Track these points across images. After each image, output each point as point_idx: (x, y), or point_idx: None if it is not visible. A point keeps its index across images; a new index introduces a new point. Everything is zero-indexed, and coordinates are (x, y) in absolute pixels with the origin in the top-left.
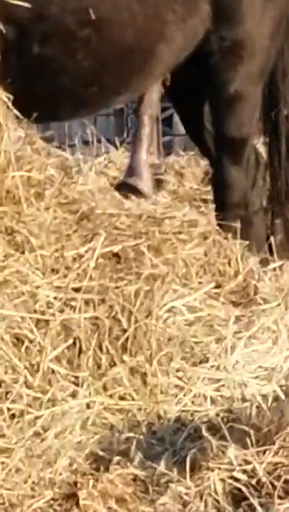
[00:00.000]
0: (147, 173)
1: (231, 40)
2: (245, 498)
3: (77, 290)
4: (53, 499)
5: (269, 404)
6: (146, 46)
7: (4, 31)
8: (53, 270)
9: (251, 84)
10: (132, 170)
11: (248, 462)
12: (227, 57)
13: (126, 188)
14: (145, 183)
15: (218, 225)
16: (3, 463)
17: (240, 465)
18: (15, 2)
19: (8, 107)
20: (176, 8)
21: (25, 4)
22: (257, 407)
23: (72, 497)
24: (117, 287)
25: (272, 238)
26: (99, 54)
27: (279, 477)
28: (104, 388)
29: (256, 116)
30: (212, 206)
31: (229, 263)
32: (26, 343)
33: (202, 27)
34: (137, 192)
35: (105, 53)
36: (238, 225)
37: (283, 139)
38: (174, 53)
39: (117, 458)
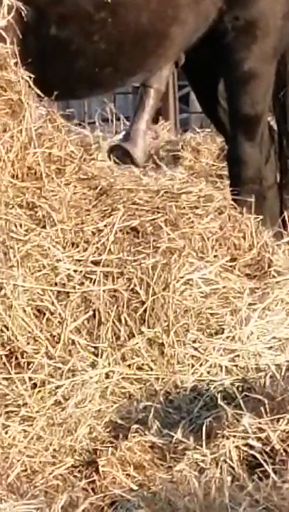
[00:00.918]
0: (143, 142)
1: (245, 19)
2: (260, 465)
3: (96, 263)
4: (73, 466)
5: (283, 373)
6: (160, 29)
7: (26, 12)
8: (73, 244)
9: (265, 63)
10: (128, 136)
11: (262, 430)
12: (241, 36)
13: (119, 150)
14: (138, 151)
15: (233, 199)
16: (25, 431)
17: (254, 433)
18: None
19: (29, 86)
20: None
21: None
22: (271, 377)
23: (91, 464)
24: (135, 261)
25: (285, 213)
26: (114, 36)
27: None
28: (123, 359)
29: (270, 94)
30: (227, 182)
31: (244, 237)
32: (47, 314)
33: (214, 8)
34: (128, 156)
35: (120, 36)
36: (252, 199)
37: None
38: (187, 35)
39: (135, 426)
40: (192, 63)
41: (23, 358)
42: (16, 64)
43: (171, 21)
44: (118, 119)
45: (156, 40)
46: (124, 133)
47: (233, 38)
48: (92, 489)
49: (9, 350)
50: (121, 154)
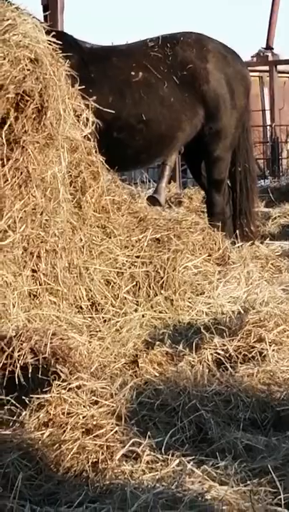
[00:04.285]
0: (164, 193)
1: (215, 129)
2: (223, 364)
3: (137, 257)
4: (125, 363)
5: (235, 315)
6: (171, 134)
7: (99, 124)
8: (126, 247)
9: (226, 152)
10: (156, 190)
11: (224, 345)
12: (212, 137)
13: (152, 199)
14: (162, 199)
15: (210, 224)
16: (100, 344)
17: (220, 346)
18: (105, 109)
19: (102, 163)
20: (187, 113)
21: (111, 111)
22: (229, 317)
23: (135, 362)
24: (158, 256)
25: (237, 231)
26: (147, 137)
27: (240, 353)
28: (152, 307)
29: (228, 168)
30: (206, 215)
31: (215, 244)
32: (112, 283)
33: (199, 122)
34: (157, 202)
35: (151, 137)
36: (219, 224)
37: (237, 183)
38: (185, 136)
39: (157, 342)
40: (187, 151)
41: (99, 306)
42: (95, 151)
43: (177, 129)
44: (149, 181)
45: (169, 139)
46: (154, 189)
47: (208, 138)
48: (135, 375)
49: (92, 302)
50: (153, 200)
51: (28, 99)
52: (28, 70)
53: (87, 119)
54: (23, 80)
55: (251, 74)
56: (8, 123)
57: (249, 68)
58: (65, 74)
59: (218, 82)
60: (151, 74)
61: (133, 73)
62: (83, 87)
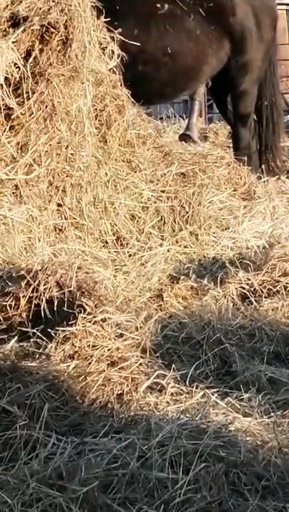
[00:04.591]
0: (196, 129)
1: (241, 61)
2: (248, 298)
3: (163, 191)
4: (150, 297)
5: (260, 250)
6: (197, 67)
7: (125, 57)
8: (151, 181)
9: (252, 86)
10: (187, 127)
11: (249, 279)
12: (239, 70)
13: (184, 136)
14: (194, 135)
15: (235, 158)
16: (125, 279)
17: (245, 281)
18: (131, 42)
19: (128, 97)
20: (213, 46)
21: (136, 43)
22: (254, 252)
23: (159, 296)
24: (183, 190)
25: (263, 166)
26: (173, 70)
27: (264, 287)
28: (177, 241)
29: (254, 102)
30: (232, 150)
31: (240, 178)
32: (136, 218)
33: (225, 55)
34: (190, 138)
35: (176, 70)
36: (245, 158)
37: (264, 117)
38: (212, 70)
39: (182, 277)
40: (214, 85)
41: (124, 240)
42: (121, 85)
43: (203, 62)
44: (175, 116)
45: (195, 72)
46: (185, 126)
47: (235, 71)
48: (160, 309)
49: (117, 236)
50: (186, 138)
51: (53, 31)
52: (53, 1)
53: (113, 52)
54: (48, 12)
55: (278, 7)
56: (33, 55)
57: (276, 1)
58: (91, 5)
59: (244, 14)
60: (177, 6)
61: (159, 5)
62: (108, 19)
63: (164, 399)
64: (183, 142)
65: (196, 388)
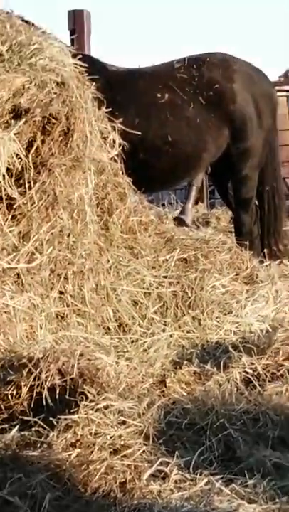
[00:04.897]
0: (190, 214)
1: (242, 148)
2: (251, 383)
3: (165, 277)
4: (153, 383)
5: (264, 334)
6: (197, 155)
7: (126, 146)
8: (153, 267)
9: (253, 171)
10: (182, 211)
11: (252, 364)
12: (240, 156)
13: (178, 219)
14: (188, 219)
15: (237, 243)
16: (127, 365)
17: (248, 365)
18: (132, 131)
19: (129, 185)
20: (212, 134)
21: (137, 132)
22: (257, 336)
23: (162, 382)
24: (185, 275)
25: (265, 250)
26: (173, 158)
27: (268, 371)
28: (179, 327)
29: (255, 187)
30: (234, 234)
31: (243, 263)
32: (139, 304)
33: (225, 142)
34: (183, 222)
35: (176, 158)
36: (247, 243)
37: (265, 202)
38: (211, 157)
39: (185, 362)
40: (215, 171)
41: (126, 326)
42: (122, 173)
43: (203, 150)
44: (176, 203)
45: (195, 160)
46: (180, 210)
47: (236, 158)
48: (163, 395)
49: (119, 322)
50: (180, 221)
51: (55, 122)
52: (55, 93)
53: (114, 141)
54: (50, 104)
55: (279, 94)
56: (35, 146)
57: (276, 88)
58: (92, 96)
59: (244, 102)
60: (177, 95)
61: (159, 95)
62: (109, 109)
63: (167, 486)
64: (177, 225)
65: (200, 475)
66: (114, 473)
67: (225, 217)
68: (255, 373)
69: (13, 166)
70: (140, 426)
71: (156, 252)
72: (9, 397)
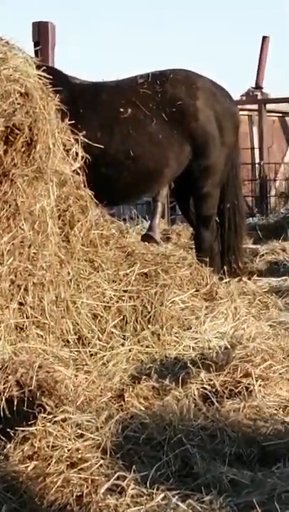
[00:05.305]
0: (158, 230)
1: (203, 165)
2: (209, 399)
3: (125, 291)
4: (111, 397)
5: (222, 350)
6: (159, 170)
7: (89, 159)
8: (113, 281)
9: (214, 188)
10: (150, 228)
11: (211, 380)
12: (202, 173)
13: (147, 237)
14: (156, 236)
15: (197, 259)
16: (86, 378)
17: (207, 381)
18: (94, 145)
19: (91, 198)
20: (174, 150)
21: (100, 146)
22: (216, 352)
23: (121, 396)
24: (145, 290)
25: (225, 267)
26: (135, 173)
27: (226, 388)
28: (138, 341)
29: (216, 204)
30: (194, 251)
31: (203, 279)
32: (98, 317)
33: (186, 159)
34: (152, 239)
35: (138, 173)
36: (207, 259)
37: (226, 219)
38: (173, 173)
39: (144, 376)
40: (176, 187)
41: (86, 340)
42: (84, 186)
43: (165, 166)
44: (137, 217)
45: (157, 175)
46: (148, 227)
47: (197, 174)
48: (121, 409)
49: (78, 335)
50: (148, 238)
51: (18, 132)
52: (18, 103)
53: (77, 154)
54: (13, 114)
55: (241, 113)
56: None
57: (239, 107)
58: (55, 108)
59: (207, 119)
60: (140, 110)
61: (122, 109)
62: (73, 121)
63: (124, 501)
64: (146, 243)
65: (157, 490)
66: (70, 487)
67: (185, 234)
68: (214, 390)
69: None
70: (98, 439)
71: (117, 266)
72: None
